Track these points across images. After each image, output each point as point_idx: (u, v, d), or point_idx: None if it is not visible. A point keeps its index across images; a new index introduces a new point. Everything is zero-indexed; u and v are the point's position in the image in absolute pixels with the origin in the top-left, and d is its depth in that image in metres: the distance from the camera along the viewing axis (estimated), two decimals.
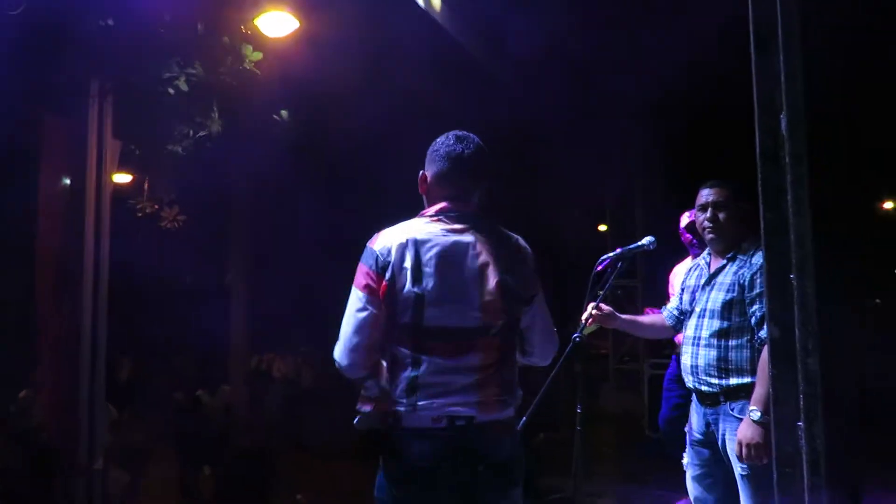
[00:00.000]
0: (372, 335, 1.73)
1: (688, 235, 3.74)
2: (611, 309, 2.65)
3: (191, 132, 4.37)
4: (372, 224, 1.87)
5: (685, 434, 2.66)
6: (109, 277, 4.01)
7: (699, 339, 2.46)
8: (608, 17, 5.95)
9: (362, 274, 1.74)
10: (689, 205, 2.87)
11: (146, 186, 5.09)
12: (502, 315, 1.73)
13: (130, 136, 4.44)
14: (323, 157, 7.83)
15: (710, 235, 2.51)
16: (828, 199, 1.36)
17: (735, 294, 2.38)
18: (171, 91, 3.94)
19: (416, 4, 4.76)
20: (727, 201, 2.48)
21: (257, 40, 4.03)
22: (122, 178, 5.17)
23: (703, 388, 2.43)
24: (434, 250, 1.71)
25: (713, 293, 2.46)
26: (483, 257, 1.74)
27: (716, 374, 2.38)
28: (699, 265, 2.65)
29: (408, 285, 1.68)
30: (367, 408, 1.76)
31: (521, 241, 1.87)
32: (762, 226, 1.39)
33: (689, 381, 2.51)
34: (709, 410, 2.45)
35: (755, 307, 2.31)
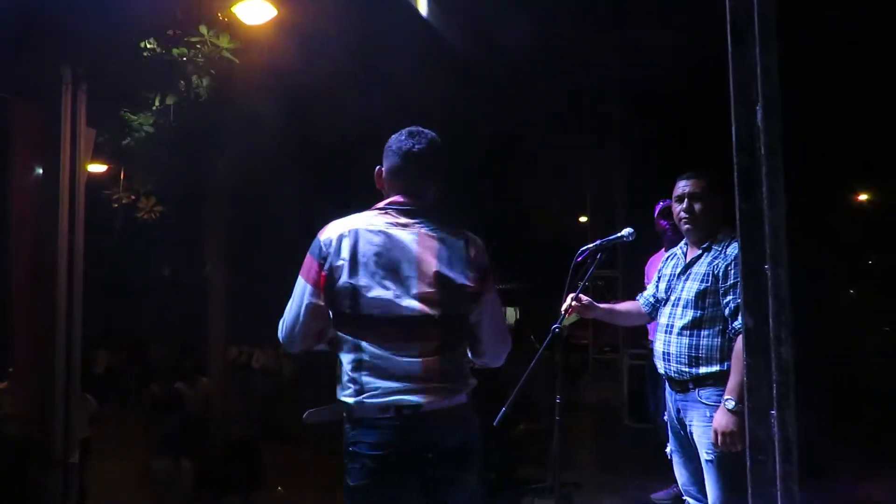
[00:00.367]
0: (310, 324, 1.80)
1: (663, 223, 3.77)
2: (590, 299, 2.68)
3: (164, 99, 4.23)
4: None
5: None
6: (85, 269, 3.95)
7: (672, 327, 2.50)
8: (594, 11, 5.97)
9: (307, 264, 1.80)
10: (670, 196, 2.89)
11: (122, 176, 5.01)
12: (439, 307, 1.74)
13: (105, 123, 4.37)
14: (304, 147, 7.77)
15: (686, 226, 2.55)
16: (803, 191, 1.37)
17: (709, 284, 2.42)
18: (146, 54, 3.84)
19: None
20: (703, 192, 2.52)
21: (235, 28, 3.97)
22: (97, 167, 5.08)
23: (674, 375, 2.48)
24: (373, 242, 1.75)
25: (688, 283, 2.49)
26: (423, 251, 1.76)
27: (686, 362, 2.43)
28: (675, 254, 2.68)
29: (344, 276, 1.73)
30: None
31: (474, 241, 1.88)
32: (738, 216, 1.41)
33: (661, 368, 2.56)
34: (678, 397, 2.50)
35: (729, 298, 2.35)
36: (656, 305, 2.71)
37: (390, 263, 1.74)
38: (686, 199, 2.53)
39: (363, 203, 1.88)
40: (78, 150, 3.88)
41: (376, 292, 1.72)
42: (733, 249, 2.37)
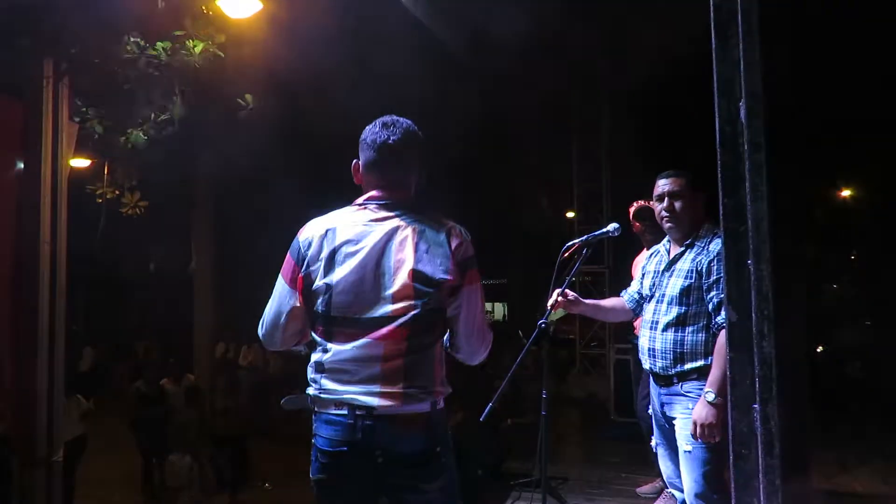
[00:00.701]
0: (288, 325, 1.80)
1: (638, 224, 3.81)
2: (575, 295, 2.69)
3: (152, 115, 4.26)
4: None
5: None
6: (69, 265, 3.90)
7: (657, 323, 2.52)
8: (582, 8, 5.97)
9: (287, 264, 1.78)
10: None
11: (106, 172, 4.94)
12: (413, 305, 1.68)
13: (89, 118, 4.31)
14: (292, 142, 7.73)
15: (668, 224, 2.57)
16: (785, 187, 1.38)
17: (693, 280, 2.44)
18: (131, 73, 3.83)
19: None
20: (683, 190, 2.53)
21: (220, 22, 3.92)
22: (80, 162, 5.01)
23: (659, 370, 2.50)
24: (350, 240, 1.72)
25: (672, 279, 2.51)
26: (400, 246, 1.71)
27: (671, 357, 2.46)
28: (659, 251, 2.70)
29: (320, 276, 1.71)
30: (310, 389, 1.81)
31: (457, 230, 1.77)
32: (721, 212, 1.42)
33: (646, 363, 2.58)
34: (663, 391, 2.53)
35: (712, 293, 2.37)
36: (641, 302, 2.73)
37: (366, 262, 1.70)
38: (667, 198, 2.55)
39: (350, 198, 1.84)
40: (60, 144, 3.83)
41: (348, 293, 1.69)
42: (716, 245, 2.39)
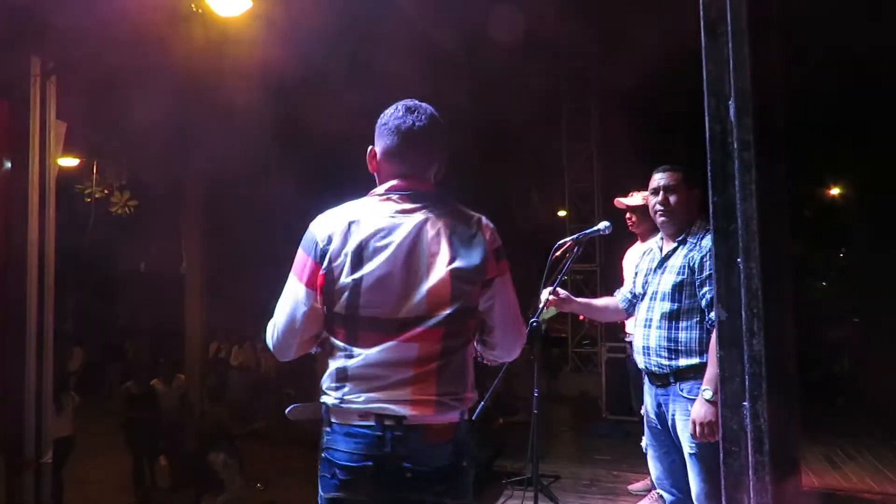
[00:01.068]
0: (306, 331, 1.62)
1: (629, 216, 3.78)
2: (567, 293, 2.69)
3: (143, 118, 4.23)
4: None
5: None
6: (58, 265, 3.87)
7: (651, 320, 2.52)
8: (574, 4, 5.98)
9: (301, 262, 1.61)
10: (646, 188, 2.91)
11: (95, 171, 4.91)
12: (449, 303, 1.56)
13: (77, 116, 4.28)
14: (284, 140, 7.68)
15: (662, 218, 2.57)
16: (774, 185, 1.39)
17: (685, 276, 2.44)
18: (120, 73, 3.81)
19: None
20: (678, 185, 2.54)
21: (209, 20, 3.90)
22: (68, 161, 4.98)
23: (654, 368, 2.49)
24: (379, 234, 1.57)
25: (664, 276, 2.51)
26: (434, 240, 1.58)
27: (666, 354, 2.45)
28: (651, 249, 2.70)
29: (346, 273, 1.55)
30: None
31: (484, 221, 1.66)
32: (710, 210, 1.42)
33: (641, 362, 2.58)
34: (660, 391, 2.52)
35: (705, 289, 2.37)
36: (634, 301, 2.73)
37: (397, 257, 1.55)
38: (661, 192, 2.56)
39: (350, 197, 1.67)
40: (48, 143, 3.80)
41: (378, 290, 1.54)
42: (708, 241, 2.39)
